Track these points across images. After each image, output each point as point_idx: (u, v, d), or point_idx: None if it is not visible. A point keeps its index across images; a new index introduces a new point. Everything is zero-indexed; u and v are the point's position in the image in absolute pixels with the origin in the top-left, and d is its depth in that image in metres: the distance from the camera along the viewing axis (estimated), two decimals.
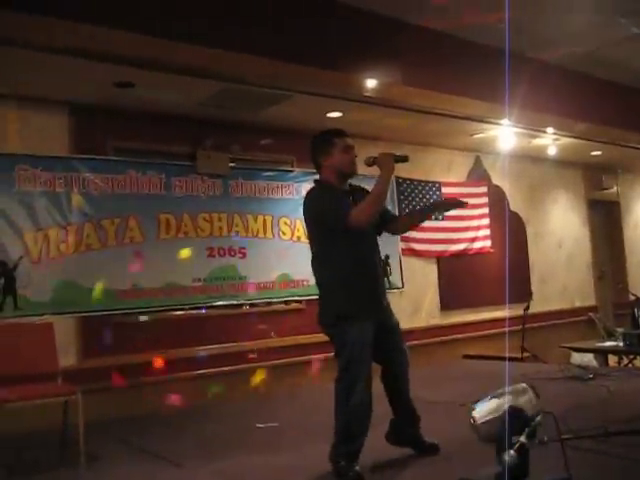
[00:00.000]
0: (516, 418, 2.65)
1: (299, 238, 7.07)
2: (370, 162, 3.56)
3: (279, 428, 4.82)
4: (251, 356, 6.54)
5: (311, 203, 3.63)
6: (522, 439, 2.55)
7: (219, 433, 4.85)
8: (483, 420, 2.82)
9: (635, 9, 6.03)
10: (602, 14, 6.16)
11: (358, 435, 3.46)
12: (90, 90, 5.51)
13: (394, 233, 4.13)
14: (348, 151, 3.60)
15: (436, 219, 3.70)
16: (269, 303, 6.93)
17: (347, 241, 3.51)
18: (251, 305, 6.83)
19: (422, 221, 4.12)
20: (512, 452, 2.52)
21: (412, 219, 4.15)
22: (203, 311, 6.48)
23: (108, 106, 5.85)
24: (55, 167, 5.67)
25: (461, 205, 3.85)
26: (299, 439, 4.43)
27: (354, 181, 3.80)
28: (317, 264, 3.68)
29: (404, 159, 3.58)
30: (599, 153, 9.71)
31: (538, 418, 2.64)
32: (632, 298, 8.15)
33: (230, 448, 4.34)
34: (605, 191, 11.03)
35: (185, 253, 6.19)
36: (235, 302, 6.65)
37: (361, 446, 3.48)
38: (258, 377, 6.07)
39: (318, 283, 3.69)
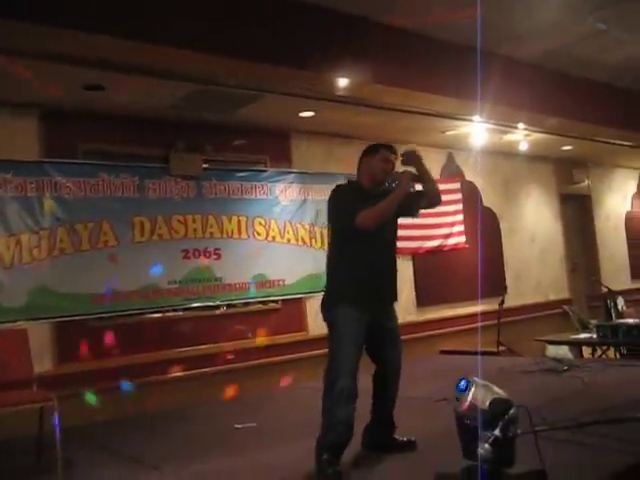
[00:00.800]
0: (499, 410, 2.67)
1: (274, 238, 7.08)
2: (394, 178, 3.85)
3: (257, 428, 4.82)
4: (229, 357, 6.54)
5: (330, 201, 3.86)
6: (496, 432, 2.59)
7: (198, 435, 4.83)
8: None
9: (600, 5, 6.11)
10: (570, 11, 6.23)
11: (343, 423, 3.52)
12: (59, 93, 5.45)
13: (428, 205, 4.07)
14: (386, 162, 3.86)
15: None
16: (245, 304, 6.91)
17: (360, 240, 3.69)
18: (227, 306, 6.81)
19: (423, 176, 4.01)
20: (487, 446, 2.55)
21: (422, 183, 4.05)
22: (180, 313, 6.46)
23: (78, 109, 5.80)
24: (26, 172, 5.62)
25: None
26: (278, 438, 4.43)
27: None
28: (330, 259, 3.90)
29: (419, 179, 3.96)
30: (570, 148, 9.82)
31: (512, 411, 2.66)
32: (604, 290, 8.29)
33: (209, 449, 4.33)
34: (576, 185, 11.16)
35: None
36: (211, 303, 6.62)
37: (346, 440, 3.54)
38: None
39: (327, 274, 3.90)
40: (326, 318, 3.79)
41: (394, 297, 3.94)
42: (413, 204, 4.00)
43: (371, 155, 3.90)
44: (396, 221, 3.96)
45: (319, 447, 3.54)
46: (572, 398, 4.73)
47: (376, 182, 3.88)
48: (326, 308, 3.79)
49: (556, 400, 4.54)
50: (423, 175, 3.96)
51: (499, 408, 2.69)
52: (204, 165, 6.64)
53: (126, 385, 5.79)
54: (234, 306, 6.84)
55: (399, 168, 3.98)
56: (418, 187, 4.07)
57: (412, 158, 3.96)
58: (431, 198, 4.00)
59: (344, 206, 3.72)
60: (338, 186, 3.94)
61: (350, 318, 3.63)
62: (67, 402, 4.37)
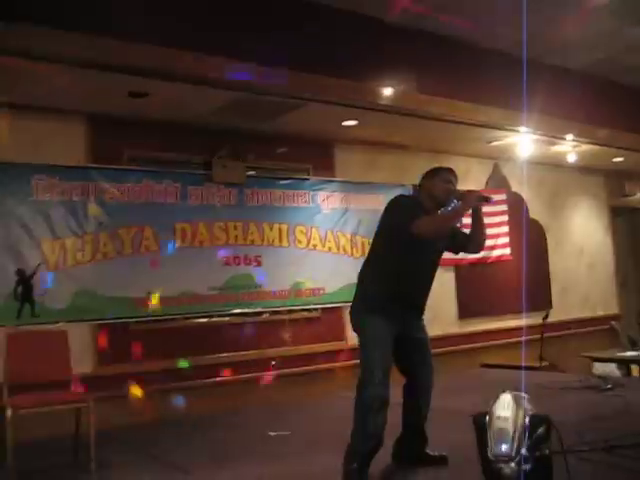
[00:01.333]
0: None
1: (315, 246, 7.08)
2: (457, 196, 3.80)
3: (291, 436, 4.82)
4: (272, 364, 6.57)
5: (390, 205, 3.84)
6: (524, 452, 2.53)
7: (232, 441, 4.86)
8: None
9: None
10: (618, 19, 6.11)
11: (373, 432, 3.51)
12: (105, 100, 5.57)
13: (471, 250, 4.07)
14: (447, 183, 3.84)
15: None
16: (286, 311, 6.92)
17: (407, 251, 3.67)
18: (271, 313, 6.83)
19: (477, 221, 3.92)
20: (513, 465, 2.50)
21: (473, 227, 4.00)
22: (220, 319, 6.51)
23: (124, 116, 5.90)
24: (72, 177, 5.75)
25: (486, 200, 3.83)
26: (310, 447, 4.43)
27: None
28: (368, 265, 3.87)
29: (487, 199, 3.79)
30: (621, 159, 9.59)
31: (541, 430, 2.60)
32: None
33: (241, 456, 4.36)
34: (628, 198, 10.89)
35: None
36: (251, 310, 6.65)
37: (376, 449, 3.53)
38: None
39: (360, 281, 3.86)
40: (355, 325, 3.79)
41: (422, 311, 3.90)
42: (458, 242, 3.97)
43: (430, 177, 3.89)
44: (443, 249, 3.93)
45: (348, 455, 3.53)
46: (611, 417, 4.59)
47: (437, 202, 3.83)
48: (355, 315, 3.79)
49: (593, 419, 4.42)
50: (480, 218, 3.87)
51: (529, 424, 2.63)
52: (247, 172, 6.69)
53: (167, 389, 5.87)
54: (277, 313, 6.86)
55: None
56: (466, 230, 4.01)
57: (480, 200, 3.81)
58: (477, 245, 3.96)
59: (406, 209, 3.71)
60: (401, 195, 4.01)
61: (379, 326, 3.61)
62: (106, 404, 4.44)
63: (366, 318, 3.68)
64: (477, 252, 4.13)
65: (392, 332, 3.65)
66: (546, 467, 2.60)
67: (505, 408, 2.60)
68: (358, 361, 3.67)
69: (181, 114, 6.05)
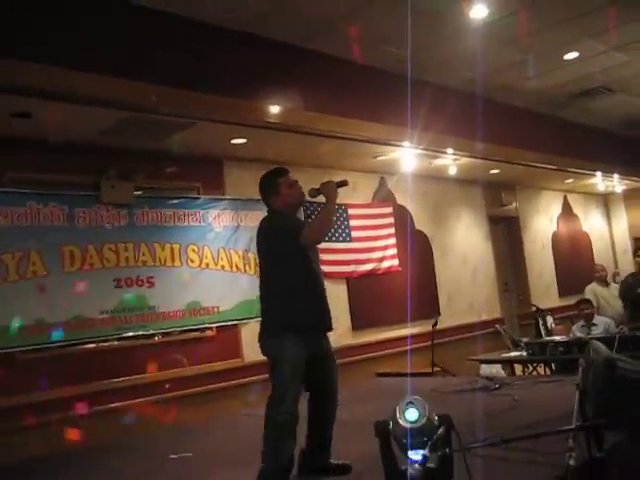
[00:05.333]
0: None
1: (207, 265, 7.05)
2: (314, 194, 3.82)
3: (193, 458, 4.76)
4: (164, 387, 6.45)
5: (265, 228, 3.82)
6: (425, 452, 2.63)
7: (131, 466, 4.75)
8: None
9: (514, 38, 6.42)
10: (491, 42, 6.51)
11: (288, 454, 3.55)
12: None
13: (308, 233, 3.88)
14: (293, 186, 3.86)
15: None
16: (180, 332, 6.84)
17: (299, 263, 3.70)
18: (162, 335, 6.72)
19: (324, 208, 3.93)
20: (417, 466, 2.59)
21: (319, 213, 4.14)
22: (114, 343, 6.35)
23: (5, 136, 5.66)
24: None
25: (344, 184, 3.91)
26: (212, 468, 4.39)
27: None
28: (266, 285, 3.84)
29: (344, 184, 3.85)
30: (497, 171, 10.12)
31: (440, 430, 2.72)
32: (534, 309, 8.54)
33: None
34: (505, 207, 11.50)
35: None
36: (145, 332, 6.52)
37: (291, 469, 3.57)
38: None
39: (263, 298, 3.84)
40: (268, 350, 3.74)
41: (330, 324, 3.91)
42: None
43: (274, 192, 3.86)
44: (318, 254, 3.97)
45: (263, 477, 3.52)
46: (502, 415, 4.84)
47: (297, 207, 3.94)
48: (267, 339, 3.74)
49: (487, 417, 4.63)
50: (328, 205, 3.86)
51: (428, 427, 2.74)
52: (136, 192, 6.57)
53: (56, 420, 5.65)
54: (169, 334, 6.76)
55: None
56: None
57: (340, 186, 3.89)
58: (314, 230, 3.81)
59: (286, 228, 3.71)
60: (270, 213, 3.91)
61: (296, 349, 3.60)
62: None
63: (283, 343, 3.62)
64: (314, 238, 3.78)
65: (306, 349, 3.65)
66: (448, 465, 2.71)
67: (406, 413, 2.70)
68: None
69: (66, 134, 5.88)
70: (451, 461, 2.67)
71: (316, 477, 3.81)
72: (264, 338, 3.77)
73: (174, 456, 4.83)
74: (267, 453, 3.55)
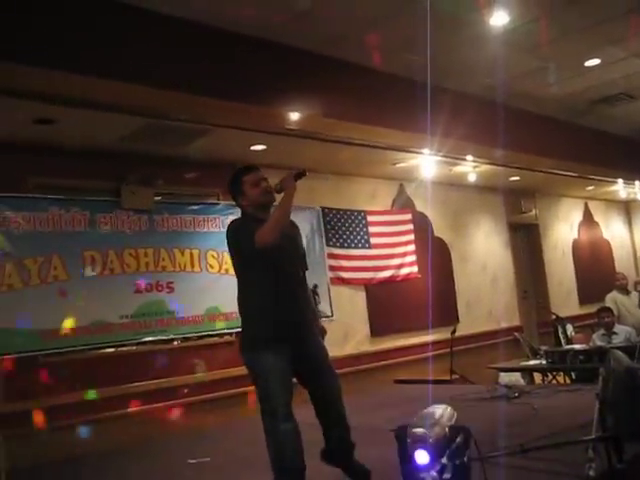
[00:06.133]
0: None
1: (227, 271, 7.07)
2: (278, 189, 3.63)
3: (211, 462, 4.78)
4: (184, 391, 6.48)
5: (228, 234, 3.69)
6: (444, 460, 2.63)
7: (150, 471, 4.78)
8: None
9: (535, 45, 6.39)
10: (510, 49, 6.49)
11: (292, 462, 3.45)
12: (8, 127, 5.42)
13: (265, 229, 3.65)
14: (258, 184, 3.67)
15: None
16: (199, 337, 6.87)
17: (265, 272, 3.55)
18: (181, 340, 6.76)
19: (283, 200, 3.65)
20: (434, 474, 2.59)
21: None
22: (133, 347, 6.39)
23: (28, 143, 5.74)
24: None
25: (303, 174, 3.67)
26: (231, 473, 4.41)
27: None
28: (239, 295, 3.72)
29: (302, 174, 3.62)
30: (517, 178, 10.08)
31: (459, 439, 2.72)
32: (553, 317, 8.47)
33: None
34: (524, 214, 11.44)
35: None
36: (164, 337, 6.56)
37: (300, 469, 3.46)
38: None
39: (240, 313, 3.72)
40: (246, 363, 3.58)
41: (310, 326, 3.74)
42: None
43: (239, 191, 3.68)
44: (300, 248, 3.84)
45: None
46: (522, 424, 4.80)
47: (264, 206, 3.65)
48: (244, 354, 3.58)
49: (506, 426, 4.60)
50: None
51: (448, 435, 2.74)
52: (156, 198, 6.63)
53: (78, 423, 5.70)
54: (188, 339, 6.80)
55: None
56: None
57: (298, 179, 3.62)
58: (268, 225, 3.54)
59: (241, 231, 3.55)
60: (233, 220, 3.76)
61: (273, 359, 3.45)
62: (14, 441, 4.27)
63: (257, 352, 3.48)
64: (268, 239, 3.43)
65: (286, 356, 3.50)
66: (465, 474, 2.71)
67: (426, 420, 2.70)
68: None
69: (88, 140, 5.95)
70: (468, 471, 2.67)
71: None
72: (241, 352, 3.63)
73: (192, 461, 4.85)
74: (275, 468, 3.50)
